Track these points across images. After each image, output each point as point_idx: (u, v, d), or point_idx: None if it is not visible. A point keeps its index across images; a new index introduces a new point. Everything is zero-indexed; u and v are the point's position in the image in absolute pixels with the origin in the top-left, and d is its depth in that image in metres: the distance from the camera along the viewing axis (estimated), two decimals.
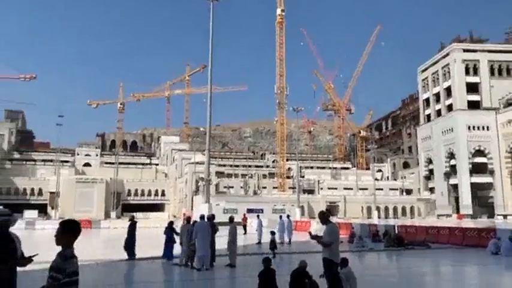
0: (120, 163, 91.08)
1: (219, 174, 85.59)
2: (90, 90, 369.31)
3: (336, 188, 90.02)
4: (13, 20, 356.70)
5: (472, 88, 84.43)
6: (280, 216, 26.63)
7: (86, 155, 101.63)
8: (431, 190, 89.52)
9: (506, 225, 43.08)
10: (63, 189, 74.70)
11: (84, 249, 18.70)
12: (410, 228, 26.70)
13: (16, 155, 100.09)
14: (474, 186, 79.39)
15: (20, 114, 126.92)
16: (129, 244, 16.53)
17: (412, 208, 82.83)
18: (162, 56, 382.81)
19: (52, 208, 73.13)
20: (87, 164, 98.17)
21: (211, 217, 15.56)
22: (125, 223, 53.29)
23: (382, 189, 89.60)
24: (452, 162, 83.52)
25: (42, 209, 72.38)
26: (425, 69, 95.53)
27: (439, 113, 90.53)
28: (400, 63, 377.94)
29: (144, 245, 22.50)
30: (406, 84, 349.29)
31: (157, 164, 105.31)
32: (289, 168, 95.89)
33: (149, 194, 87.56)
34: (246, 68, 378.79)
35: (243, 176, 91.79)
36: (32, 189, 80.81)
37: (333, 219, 8.92)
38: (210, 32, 28.55)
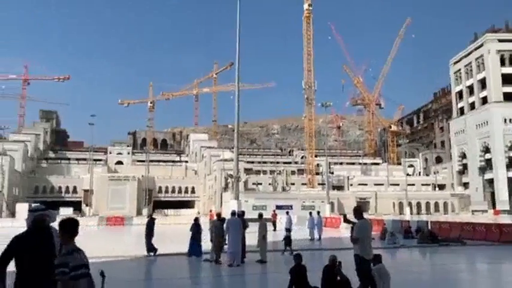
0: (151, 161, 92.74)
1: (248, 171, 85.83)
2: (122, 90, 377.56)
3: (366, 184, 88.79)
4: (47, 22, 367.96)
5: (508, 79, 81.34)
6: (310, 213, 26.49)
7: (118, 154, 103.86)
8: (466, 185, 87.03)
9: None
10: (96, 187, 76.65)
11: (117, 245, 19.17)
12: (444, 224, 26.05)
13: (51, 154, 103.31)
14: (511, 181, 76.67)
15: (54, 114, 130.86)
16: (148, 240, 16.92)
17: (445, 204, 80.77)
18: (190, 54, 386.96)
19: (86, 205, 75.19)
20: (119, 162, 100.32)
21: (242, 213, 15.60)
22: (157, 220, 54.21)
23: (414, 184, 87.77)
24: (488, 156, 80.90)
25: (76, 207, 74.47)
26: (458, 61, 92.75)
27: (472, 105, 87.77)
28: (431, 55, 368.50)
29: (175, 241, 22.88)
30: (437, 77, 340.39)
31: (186, 162, 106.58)
32: (318, 165, 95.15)
33: (179, 191, 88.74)
34: (274, 64, 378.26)
35: (271, 172, 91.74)
36: (67, 187, 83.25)
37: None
38: (237, 29, 28.57)
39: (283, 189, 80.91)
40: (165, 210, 78.27)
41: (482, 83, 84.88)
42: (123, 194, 77.85)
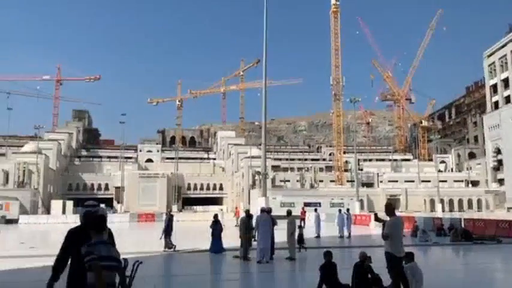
0: (180, 158, 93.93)
1: (275, 168, 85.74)
2: (151, 89, 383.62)
3: (396, 181, 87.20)
4: (77, 24, 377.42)
5: None
6: (340, 210, 26.24)
7: (148, 151, 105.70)
8: (501, 182, 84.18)
9: None
10: (127, 184, 78.26)
11: (148, 241, 19.49)
12: (478, 222, 25.25)
13: (84, 152, 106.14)
14: None
15: (86, 113, 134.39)
16: (166, 235, 17.20)
17: (479, 201, 78.38)
18: (217, 52, 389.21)
19: (118, 202, 76.90)
20: (149, 160, 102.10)
21: (269, 210, 15.58)
22: (186, 216, 55.09)
23: (446, 181, 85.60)
24: None
25: (108, 203, 76.23)
26: (492, 54, 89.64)
27: (508, 99, 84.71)
28: (463, 48, 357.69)
29: (202, 237, 22.99)
30: (470, 71, 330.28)
31: (214, 159, 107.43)
32: (346, 161, 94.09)
33: (208, 188, 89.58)
34: (301, 60, 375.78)
35: (299, 169, 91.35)
36: (99, 185, 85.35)
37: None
38: (264, 25, 28.51)
39: (312, 186, 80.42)
40: (194, 207, 79.22)
41: None
42: (153, 191, 79.21)
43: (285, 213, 15.49)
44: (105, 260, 4.00)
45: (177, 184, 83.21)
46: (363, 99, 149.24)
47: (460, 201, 77.52)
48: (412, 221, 27.54)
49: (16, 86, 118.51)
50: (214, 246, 16.27)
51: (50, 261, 4.81)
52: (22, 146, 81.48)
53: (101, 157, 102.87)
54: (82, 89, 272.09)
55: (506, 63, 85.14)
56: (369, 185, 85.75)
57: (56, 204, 63.52)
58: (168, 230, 17.40)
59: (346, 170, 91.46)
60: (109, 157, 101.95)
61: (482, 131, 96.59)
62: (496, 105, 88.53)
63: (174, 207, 76.89)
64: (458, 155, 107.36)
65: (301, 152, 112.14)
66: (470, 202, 77.96)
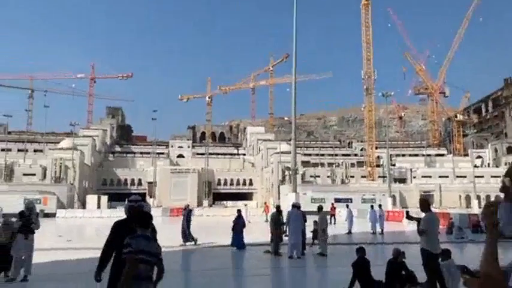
0: (210, 154, 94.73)
1: (305, 163, 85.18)
2: (181, 86, 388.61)
3: (430, 176, 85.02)
4: (109, 23, 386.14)
5: None
6: (372, 206, 25.87)
7: (179, 147, 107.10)
8: None
9: None
10: (159, 179, 79.61)
11: (179, 236, 19.70)
12: None
13: (117, 148, 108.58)
14: None
15: (119, 110, 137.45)
16: (185, 229, 17.40)
17: None
18: (246, 48, 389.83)
19: (150, 197, 78.38)
20: (180, 155, 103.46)
21: (298, 206, 15.50)
22: (216, 211, 55.61)
23: (482, 176, 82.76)
24: None
25: (141, 198, 77.74)
26: None
27: None
28: (500, 39, 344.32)
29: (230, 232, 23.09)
30: (508, 63, 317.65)
31: (244, 154, 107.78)
32: (378, 157, 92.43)
33: (237, 183, 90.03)
34: (331, 54, 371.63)
35: (330, 165, 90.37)
36: (132, 180, 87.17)
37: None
38: (294, 19, 28.26)
39: (342, 182, 79.51)
40: (224, 202, 79.85)
41: None
42: (185, 186, 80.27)
43: (314, 209, 15.37)
44: (143, 254, 4.06)
45: (208, 179, 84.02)
46: (396, 93, 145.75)
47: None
48: (447, 218, 26.82)
49: (52, 84, 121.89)
50: (236, 241, 16.29)
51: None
52: (58, 143, 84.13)
53: (134, 153, 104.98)
54: (115, 87, 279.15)
55: None
56: (402, 180, 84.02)
57: (91, 199, 65.37)
58: (187, 224, 17.75)
59: (378, 166, 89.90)
60: (141, 153, 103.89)
61: None
62: None
63: (205, 202, 77.77)
64: (496, 150, 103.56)
65: (331, 147, 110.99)
66: None
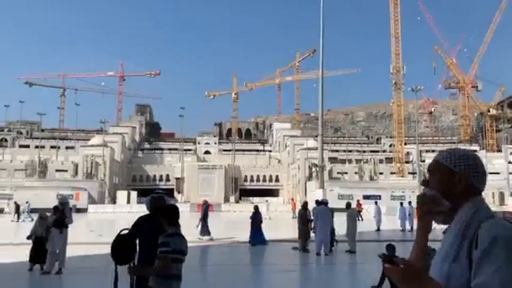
0: (236, 150, 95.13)
1: (332, 160, 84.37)
2: (208, 83, 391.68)
3: None
4: (137, 22, 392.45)
5: None
6: (401, 203, 25.42)
7: (206, 143, 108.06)
8: None
9: None
10: (187, 175, 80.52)
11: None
12: None
13: (146, 145, 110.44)
14: None
15: (148, 107, 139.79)
16: (204, 224, 17.69)
17: None
18: (272, 44, 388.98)
19: (178, 192, 79.42)
20: (207, 152, 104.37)
21: (326, 202, 15.40)
22: (243, 207, 55.90)
23: None
24: None
25: (170, 194, 78.83)
26: None
27: None
28: None
29: (265, 228, 23.13)
30: None
31: (270, 151, 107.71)
32: (407, 153, 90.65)
33: (264, 180, 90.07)
34: (359, 49, 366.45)
35: (357, 161, 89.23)
36: (161, 176, 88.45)
37: None
38: (321, 14, 27.97)
39: (371, 179, 78.42)
40: (251, 198, 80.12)
41: None
42: (212, 182, 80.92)
43: (341, 206, 15.22)
44: (178, 254, 4.11)
45: (234, 175, 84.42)
46: (425, 88, 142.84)
47: None
48: None
49: (83, 83, 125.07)
50: (254, 238, 16.25)
51: None
52: (89, 140, 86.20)
53: (162, 149, 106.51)
54: (143, 85, 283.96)
55: None
56: None
57: (121, 195, 66.79)
58: (205, 219, 18.10)
59: (407, 162, 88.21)
60: (169, 149, 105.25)
61: None
62: None
63: (232, 198, 78.23)
64: None
65: (359, 143, 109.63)
66: None
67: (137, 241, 4.91)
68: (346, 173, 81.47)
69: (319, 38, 28.93)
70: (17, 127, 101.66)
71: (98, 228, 26.61)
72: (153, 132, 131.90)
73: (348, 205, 15.20)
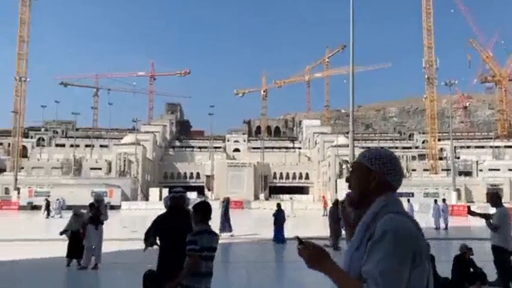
0: (266, 147, 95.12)
1: None
2: (237, 81, 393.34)
3: (498, 169, 80.00)
4: (167, 23, 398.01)
5: None
6: (435, 201, 24.83)
7: (235, 141, 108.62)
8: None
9: None
10: (217, 173, 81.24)
11: (237, 228, 20.07)
12: None
13: (177, 143, 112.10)
14: None
15: (178, 106, 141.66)
16: (225, 220, 17.73)
17: None
18: (301, 40, 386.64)
19: (208, 190, 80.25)
20: (236, 150, 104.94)
21: None
22: (272, 205, 55.87)
23: None
24: None
25: (200, 191, 79.73)
26: None
27: None
28: None
29: (296, 225, 23.14)
30: None
31: (300, 148, 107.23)
32: (441, 149, 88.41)
33: (293, 177, 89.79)
34: (390, 43, 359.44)
35: None
36: (191, 173, 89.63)
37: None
38: (351, 9, 27.52)
39: (403, 176, 76.87)
40: (281, 196, 80.00)
41: None
42: (241, 180, 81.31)
43: None
44: (206, 251, 4.11)
45: (264, 173, 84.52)
46: (460, 82, 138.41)
47: None
48: None
49: (115, 83, 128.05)
50: (277, 236, 16.15)
51: None
52: (122, 138, 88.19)
53: (192, 147, 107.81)
54: (173, 84, 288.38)
55: None
56: (467, 173, 79.82)
57: (154, 192, 68.04)
58: (226, 215, 18.21)
59: (441, 158, 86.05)
60: (199, 147, 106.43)
61: None
62: None
63: (261, 196, 78.36)
64: None
65: (391, 139, 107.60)
66: None
67: (157, 239, 5.01)
68: None
69: (349, 33, 28.47)
70: (53, 127, 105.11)
71: (131, 225, 27.23)
72: (184, 130, 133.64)
73: None
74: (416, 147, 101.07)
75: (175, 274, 4.19)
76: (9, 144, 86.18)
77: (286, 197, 77.85)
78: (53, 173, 75.26)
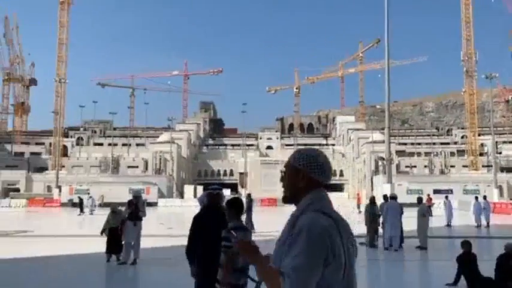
0: (299, 145, 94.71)
1: (400, 153, 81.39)
2: (269, 78, 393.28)
3: None
4: (200, 22, 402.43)
5: None
6: (476, 198, 23.99)
7: (268, 139, 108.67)
8: None
9: None
10: (250, 170, 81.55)
11: (269, 225, 20.07)
12: None
13: (210, 141, 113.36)
14: None
15: (211, 104, 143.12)
16: (246, 217, 17.80)
17: None
18: (333, 35, 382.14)
19: (242, 187, 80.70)
20: (269, 147, 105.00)
21: (395, 197, 14.97)
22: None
23: None
24: None
25: (233, 188, 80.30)
26: None
27: None
28: None
29: None
30: None
31: (333, 145, 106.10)
32: (482, 144, 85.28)
33: None
34: (426, 36, 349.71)
35: (427, 154, 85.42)
36: (225, 171, 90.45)
37: None
38: (385, 2, 26.98)
39: (442, 172, 74.74)
40: None
41: None
42: (274, 177, 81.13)
43: (409, 201, 14.68)
44: None
45: None
46: (501, 75, 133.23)
47: None
48: None
49: (150, 82, 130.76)
50: None
51: (184, 241, 5.22)
52: (158, 137, 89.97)
53: (225, 145, 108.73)
54: (207, 82, 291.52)
55: None
56: (509, 169, 76.64)
57: (188, 189, 69.09)
58: (249, 213, 18.41)
59: (481, 154, 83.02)
60: (232, 145, 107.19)
61: None
62: None
63: None
64: None
65: (428, 135, 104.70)
66: None
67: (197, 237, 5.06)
68: (415, 166, 78.39)
69: (384, 27, 27.92)
70: (91, 126, 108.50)
71: (167, 221, 27.78)
72: (217, 128, 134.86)
73: (419, 200, 14.63)
74: (455, 143, 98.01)
75: (213, 272, 4.23)
76: (50, 144, 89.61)
77: None
78: (92, 171, 77.66)
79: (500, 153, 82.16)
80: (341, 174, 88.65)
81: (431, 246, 13.78)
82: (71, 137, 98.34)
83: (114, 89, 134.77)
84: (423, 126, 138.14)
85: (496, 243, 14.27)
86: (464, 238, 9.73)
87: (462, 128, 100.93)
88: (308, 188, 1.96)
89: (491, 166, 60.32)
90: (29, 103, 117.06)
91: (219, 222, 4.64)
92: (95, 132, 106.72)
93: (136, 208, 10.99)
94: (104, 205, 41.88)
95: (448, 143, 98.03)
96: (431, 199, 32.09)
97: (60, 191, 56.97)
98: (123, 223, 11.06)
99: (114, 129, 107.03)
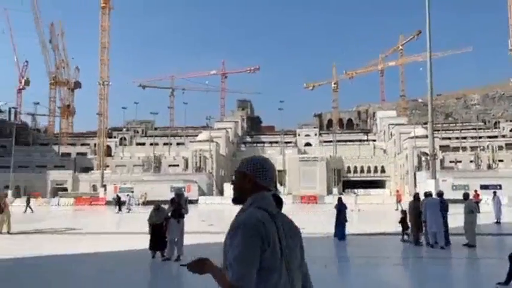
0: (338, 141, 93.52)
1: (444, 148, 78.77)
2: (306, 74, 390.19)
3: None
4: (236, 21, 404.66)
5: None
6: None
7: (306, 135, 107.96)
8: None
9: None
10: (288, 168, 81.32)
11: (310, 222, 19.98)
12: None
13: (248, 139, 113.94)
14: None
15: (248, 102, 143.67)
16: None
17: None
18: (372, 28, 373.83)
19: (281, 184, 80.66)
20: (307, 144, 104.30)
21: (441, 193, 14.56)
22: (346, 199, 55.02)
23: None
24: None
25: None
26: None
27: None
28: None
29: (370, 221, 22.59)
30: None
31: (374, 140, 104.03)
32: None
33: (368, 171, 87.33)
34: (469, 25, 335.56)
35: (472, 148, 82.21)
36: None
37: None
38: None
39: (489, 167, 71.73)
40: (355, 190, 78.26)
41: None
42: (313, 174, 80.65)
43: (455, 197, 14.21)
44: None
45: (336, 167, 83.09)
46: None
47: None
48: None
49: (189, 83, 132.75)
50: (338, 232, 15.44)
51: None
52: (197, 136, 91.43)
53: (263, 142, 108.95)
54: (244, 80, 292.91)
55: None
56: None
57: (227, 187, 69.83)
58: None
59: None
60: (270, 142, 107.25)
61: None
62: None
63: (335, 190, 77.18)
64: None
65: (474, 129, 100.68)
66: None
67: None
68: (460, 161, 75.69)
69: (425, 18, 27.05)
70: (133, 126, 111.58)
71: (207, 218, 28.18)
72: (254, 126, 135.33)
73: (466, 196, 14.10)
74: (503, 136, 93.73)
75: None
76: (95, 145, 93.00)
77: (361, 191, 76.11)
78: (135, 170, 79.97)
79: None
80: (382, 171, 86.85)
81: (479, 243, 13.28)
82: (114, 137, 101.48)
83: (154, 91, 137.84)
84: (468, 119, 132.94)
85: None
86: None
87: (511, 121, 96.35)
88: (254, 190, 2.22)
89: None
90: (74, 105, 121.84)
91: None
92: (137, 132, 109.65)
93: (179, 206, 11.24)
94: (147, 203, 43.03)
95: (495, 137, 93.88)
96: (478, 195, 30.96)
97: (105, 190, 59.05)
98: (167, 220, 11.33)
99: (155, 129, 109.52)
